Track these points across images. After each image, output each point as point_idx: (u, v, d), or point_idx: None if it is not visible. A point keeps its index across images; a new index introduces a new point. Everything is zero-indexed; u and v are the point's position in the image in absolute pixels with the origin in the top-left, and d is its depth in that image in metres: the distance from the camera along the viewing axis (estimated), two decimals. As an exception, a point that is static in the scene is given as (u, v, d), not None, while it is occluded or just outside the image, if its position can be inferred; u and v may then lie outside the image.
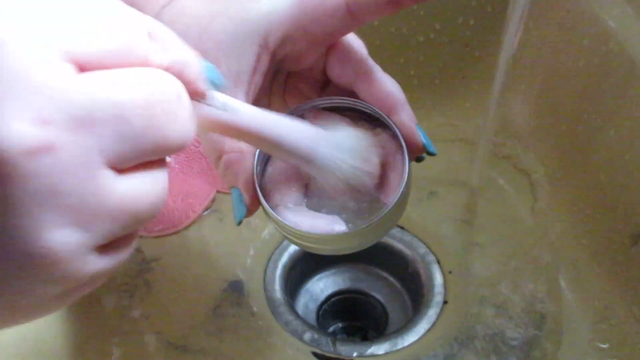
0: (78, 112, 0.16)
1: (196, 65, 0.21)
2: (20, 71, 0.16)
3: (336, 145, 0.28)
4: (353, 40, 0.31)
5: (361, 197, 0.30)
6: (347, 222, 0.30)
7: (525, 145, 0.58)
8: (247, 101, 0.30)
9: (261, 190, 0.30)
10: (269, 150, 0.28)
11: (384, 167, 0.30)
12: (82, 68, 0.17)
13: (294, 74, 0.33)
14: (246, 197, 0.30)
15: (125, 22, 0.18)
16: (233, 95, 0.27)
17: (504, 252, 0.52)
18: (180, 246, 0.52)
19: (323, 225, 0.29)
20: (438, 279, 0.51)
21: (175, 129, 0.19)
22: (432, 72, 0.59)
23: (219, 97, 0.23)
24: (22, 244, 0.16)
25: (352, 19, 0.28)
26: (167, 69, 0.19)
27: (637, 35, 0.47)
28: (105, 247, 0.18)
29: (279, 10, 0.29)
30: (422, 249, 0.53)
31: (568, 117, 0.53)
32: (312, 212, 0.30)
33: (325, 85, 0.33)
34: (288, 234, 0.30)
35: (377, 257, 0.55)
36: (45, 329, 0.43)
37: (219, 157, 0.31)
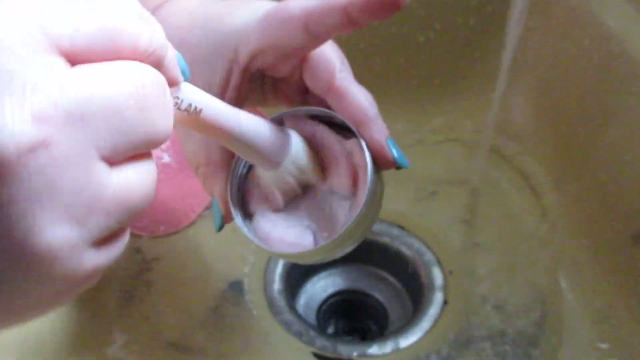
0: (73, 108, 0.16)
1: (173, 53, 0.21)
2: (15, 69, 0.16)
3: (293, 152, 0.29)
4: (327, 51, 0.31)
5: (339, 203, 0.31)
6: (320, 231, 0.31)
7: (525, 145, 0.58)
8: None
9: (242, 195, 0.31)
10: (232, 147, 0.28)
11: (356, 181, 0.30)
12: (74, 58, 0.17)
13: (279, 79, 0.33)
14: (222, 208, 0.32)
15: (117, 3, 0.18)
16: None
17: (504, 252, 0.52)
18: (180, 246, 0.52)
19: (292, 237, 0.30)
20: (438, 279, 0.51)
21: (163, 122, 0.19)
22: (432, 72, 0.59)
23: (188, 88, 0.23)
24: (19, 243, 0.16)
25: (311, 38, 0.29)
26: (152, 54, 0.19)
27: (637, 35, 0.47)
28: (101, 242, 0.18)
29: (249, 26, 0.30)
30: (422, 249, 0.53)
31: (568, 117, 0.53)
32: (285, 222, 0.31)
33: (308, 90, 0.33)
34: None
35: (377, 257, 0.55)
36: (45, 329, 0.43)
37: (197, 169, 0.33)
